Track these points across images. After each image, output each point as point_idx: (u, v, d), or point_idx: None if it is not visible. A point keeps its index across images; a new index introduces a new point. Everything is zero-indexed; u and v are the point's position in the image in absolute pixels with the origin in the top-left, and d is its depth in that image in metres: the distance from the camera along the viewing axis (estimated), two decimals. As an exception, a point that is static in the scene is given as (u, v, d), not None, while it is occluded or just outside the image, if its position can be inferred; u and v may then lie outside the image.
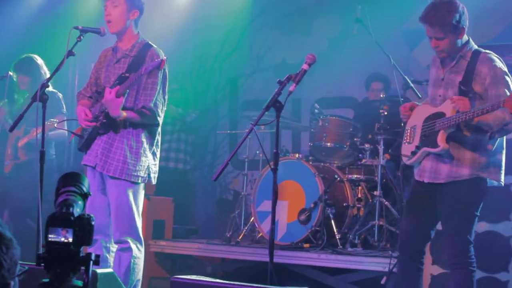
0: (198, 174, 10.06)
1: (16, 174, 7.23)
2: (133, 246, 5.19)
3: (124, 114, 5.08)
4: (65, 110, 7.16)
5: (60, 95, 7.11)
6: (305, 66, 4.57)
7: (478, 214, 4.85)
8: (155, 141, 5.36)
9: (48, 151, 7.08)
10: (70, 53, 5.11)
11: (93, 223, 2.55)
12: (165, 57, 5.05)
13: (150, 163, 5.28)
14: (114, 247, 5.27)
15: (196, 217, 9.85)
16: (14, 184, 7.19)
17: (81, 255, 2.51)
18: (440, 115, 4.78)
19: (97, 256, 2.55)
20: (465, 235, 4.76)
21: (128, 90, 5.08)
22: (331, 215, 7.05)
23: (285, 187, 7.22)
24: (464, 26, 4.76)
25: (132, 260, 5.20)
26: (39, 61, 7.29)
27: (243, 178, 8.34)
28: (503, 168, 4.89)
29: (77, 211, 2.62)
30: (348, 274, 6.82)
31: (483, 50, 4.84)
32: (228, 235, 7.93)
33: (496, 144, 4.81)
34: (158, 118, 5.28)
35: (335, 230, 7.03)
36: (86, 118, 5.26)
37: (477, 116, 4.52)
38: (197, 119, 9.58)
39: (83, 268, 2.46)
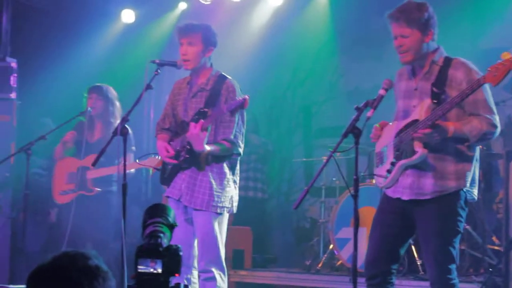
0: (274, 203, 10.06)
1: (85, 205, 7.03)
2: (217, 275, 5.21)
3: (208, 148, 5.13)
4: (134, 148, 7.16)
5: (130, 131, 7.08)
6: (382, 91, 4.50)
7: (462, 231, 4.56)
8: (236, 170, 5.40)
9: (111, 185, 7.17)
10: (148, 87, 5.16)
11: (181, 253, 2.59)
12: (247, 96, 5.04)
13: (233, 192, 5.33)
14: (194, 278, 5.30)
15: (274, 246, 9.83)
16: (82, 217, 6.97)
17: (170, 285, 2.55)
18: (413, 122, 4.52)
19: (186, 286, 2.57)
20: (450, 256, 4.48)
21: (210, 125, 5.13)
22: (411, 241, 6.96)
23: (364, 213, 7.11)
24: (433, 30, 4.56)
25: (216, 290, 5.23)
26: (115, 92, 7.33)
27: (320, 205, 8.32)
28: (477, 182, 4.62)
29: (164, 242, 2.66)
30: (431, 300, 6.70)
31: (454, 57, 4.61)
32: (308, 263, 7.90)
33: (475, 155, 4.57)
34: (239, 149, 5.32)
35: (416, 255, 6.93)
36: (168, 155, 5.33)
37: (457, 102, 4.29)
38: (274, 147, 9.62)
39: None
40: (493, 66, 4.18)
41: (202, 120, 5.09)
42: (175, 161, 5.31)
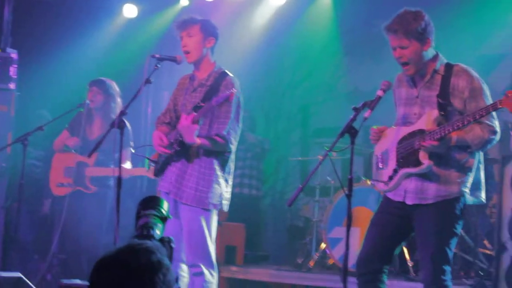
0: (269, 201, 10.08)
1: (85, 200, 7.13)
2: (205, 271, 5.22)
3: (198, 141, 5.14)
4: (132, 143, 7.11)
5: (130, 128, 7.03)
6: (380, 93, 4.53)
7: (459, 234, 4.63)
8: (228, 168, 5.39)
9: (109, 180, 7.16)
10: (147, 81, 5.17)
11: (173, 245, 2.61)
12: (234, 90, 5.06)
13: (222, 190, 5.32)
14: (184, 272, 5.30)
15: (267, 243, 9.86)
16: (76, 211, 7.08)
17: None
18: (419, 132, 4.55)
19: (176, 278, 2.59)
20: (446, 257, 4.53)
21: (202, 119, 5.14)
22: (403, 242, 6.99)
23: (357, 213, 7.15)
24: (430, 38, 4.58)
25: (204, 285, 5.23)
26: (117, 88, 7.32)
27: (314, 204, 8.34)
28: (483, 185, 4.69)
29: (157, 233, 2.68)
30: (421, 302, 6.73)
31: (455, 63, 4.64)
32: (300, 262, 7.93)
33: (476, 160, 4.61)
34: (231, 146, 5.32)
35: (407, 257, 6.96)
36: (161, 144, 5.34)
37: (467, 123, 4.33)
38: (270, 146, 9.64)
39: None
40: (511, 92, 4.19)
41: (194, 113, 5.11)
42: (167, 151, 5.32)
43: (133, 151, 6.60)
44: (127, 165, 6.92)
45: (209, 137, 5.22)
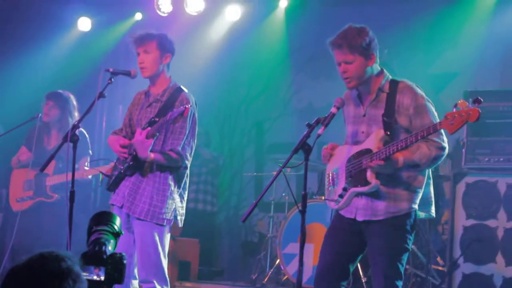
0: (223, 216, 10.07)
1: (43, 212, 7.08)
2: (158, 287, 5.19)
3: (152, 156, 5.11)
4: (90, 151, 7.13)
5: (87, 135, 7.07)
6: (333, 110, 4.55)
7: (410, 249, 4.67)
8: (183, 183, 5.36)
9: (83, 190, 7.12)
10: (101, 95, 5.14)
11: (125, 261, 2.58)
12: (188, 106, 5.04)
13: (177, 205, 5.29)
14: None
15: (221, 259, 9.84)
16: (40, 221, 7.06)
17: (112, 293, 2.55)
18: (366, 151, 4.60)
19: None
20: (398, 272, 4.55)
21: (157, 134, 5.11)
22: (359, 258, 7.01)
23: (311, 229, 7.21)
24: (374, 53, 4.62)
25: (157, 301, 5.20)
26: (75, 102, 7.22)
27: (268, 220, 8.35)
28: (433, 199, 4.75)
29: (109, 249, 2.66)
30: (374, 319, 6.76)
31: (400, 79, 4.69)
32: (254, 277, 7.92)
33: (425, 177, 4.65)
34: (186, 161, 5.29)
35: (361, 273, 6.99)
36: (122, 144, 5.30)
37: (410, 144, 4.38)
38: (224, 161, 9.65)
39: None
40: (450, 114, 4.22)
41: (148, 128, 5.09)
42: (126, 155, 5.27)
43: (87, 164, 6.56)
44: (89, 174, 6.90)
45: (163, 152, 5.19)
